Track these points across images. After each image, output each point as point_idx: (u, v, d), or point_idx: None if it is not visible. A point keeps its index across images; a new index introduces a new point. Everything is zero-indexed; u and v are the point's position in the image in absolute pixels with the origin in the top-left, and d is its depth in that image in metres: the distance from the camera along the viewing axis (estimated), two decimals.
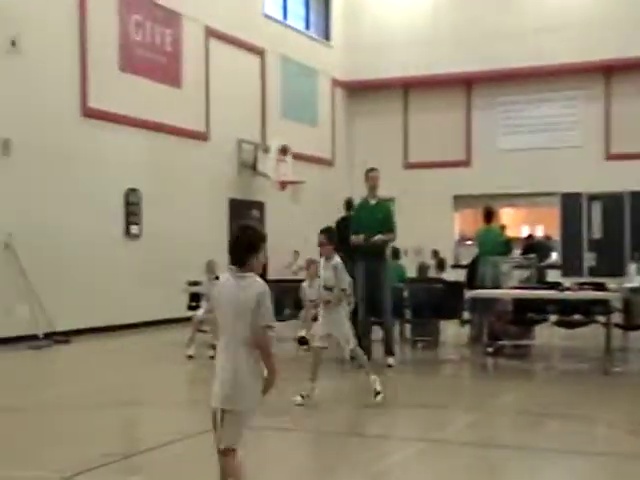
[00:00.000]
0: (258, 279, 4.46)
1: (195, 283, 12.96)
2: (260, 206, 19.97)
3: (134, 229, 15.93)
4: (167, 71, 17.00)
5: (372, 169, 10.77)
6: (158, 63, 16.74)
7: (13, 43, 13.23)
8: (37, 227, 13.32)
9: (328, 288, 8.10)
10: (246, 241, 4.52)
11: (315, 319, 11.53)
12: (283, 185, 19.68)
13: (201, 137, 17.92)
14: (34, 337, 12.64)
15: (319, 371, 8.08)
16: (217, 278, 12.49)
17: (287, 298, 12.22)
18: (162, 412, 7.86)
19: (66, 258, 13.91)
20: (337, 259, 8.13)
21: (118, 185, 15.56)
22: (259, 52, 20.14)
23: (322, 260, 8.32)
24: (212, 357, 11.16)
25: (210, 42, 18.25)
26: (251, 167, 19.45)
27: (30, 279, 13.01)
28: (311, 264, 12.60)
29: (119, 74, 15.62)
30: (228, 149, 18.84)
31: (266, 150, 19.53)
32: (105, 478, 5.56)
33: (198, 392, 9.60)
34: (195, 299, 12.67)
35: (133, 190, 15.90)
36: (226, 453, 4.34)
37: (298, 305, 11.84)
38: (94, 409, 7.78)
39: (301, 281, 12.40)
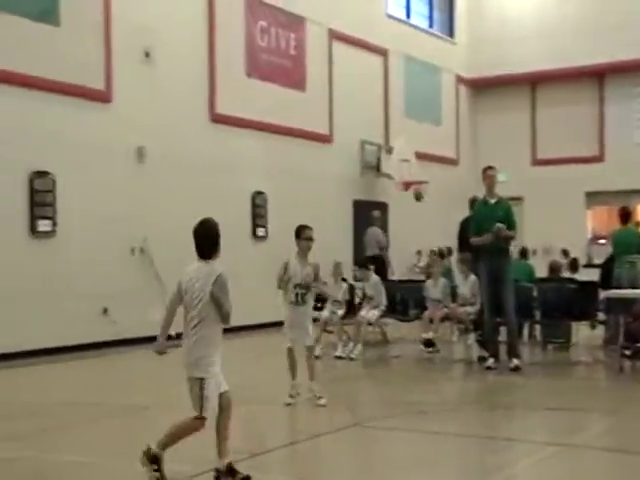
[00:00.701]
0: (220, 267, 5.37)
1: None
2: (383, 207, 19.90)
3: (260, 231, 16.26)
4: (292, 75, 17.27)
5: (489, 167, 10.52)
6: (283, 67, 17.03)
7: (147, 54, 13.80)
8: (170, 231, 13.79)
9: (303, 286, 8.14)
10: (214, 234, 5.64)
11: (443, 319, 11.41)
12: (406, 185, 19.55)
13: (325, 139, 18.08)
14: (167, 337, 13.09)
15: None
16: (344, 280, 12.61)
17: (411, 298, 12.11)
18: (287, 411, 7.95)
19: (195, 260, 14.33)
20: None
21: (245, 188, 15.93)
22: (382, 52, 20.12)
23: (294, 259, 8.26)
24: (337, 357, 11.29)
25: (333, 44, 18.39)
26: (374, 168, 19.45)
27: (163, 282, 13.50)
28: (435, 263, 12.47)
29: (245, 80, 16.00)
30: (351, 151, 18.91)
31: (389, 151, 19.47)
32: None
33: (324, 392, 9.69)
34: (320, 300, 12.76)
35: (259, 193, 16.24)
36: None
37: (422, 305, 11.72)
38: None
39: (424, 281, 12.28)
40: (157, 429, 5.47)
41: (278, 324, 15.55)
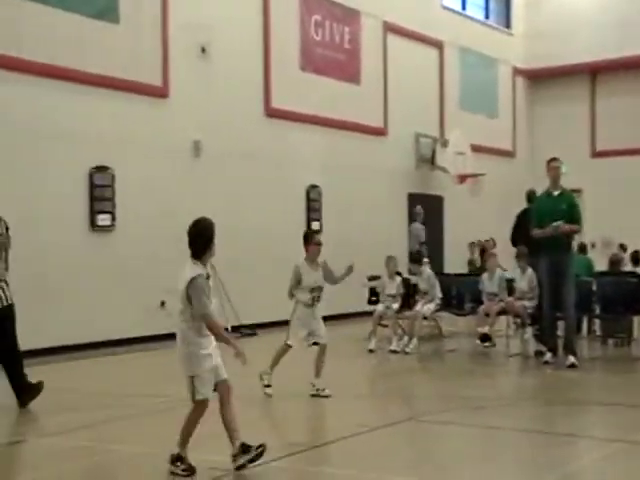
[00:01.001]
0: (197, 270, 5.47)
1: (375, 278, 13.04)
2: (439, 200, 19.77)
3: (315, 225, 16.29)
4: (346, 68, 17.25)
5: (553, 159, 10.32)
6: (337, 61, 17.02)
7: (203, 50, 13.95)
8: (224, 225, 13.85)
9: (318, 289, 8.23)
10: (204, 234, 5.71)
11: (499, 313, 11.28)
12: (462, 179, 19.37)
13: (379, 132, 18.01)
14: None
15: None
16: (398, 273, 12.56)
17: (467, 292, 12.01)
18: (345, 405, 7.97)
19: (251, 254, 14.46)
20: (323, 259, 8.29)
21: (300, 182, 15.99)
22: (437, 45, 19.94)
23: (305, 264, 8.25)
24: (392, 351, 11.26)
25: (388, 37, 18.30)
26: (429, 161, 19.31)
27: (219, 274, 13.63)
28: (491, 257, 12.32)
29: (300, 74, 16.05)
30: (406, 144, 18.81)
31: (444, 144, 19.31)
32: (294, 467, 5.71)
33: (379, 386, 9.69)
34: (375, 294, 12.75)
35: (314, 187, 16.28)
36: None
37: (478, 299, 11.60)
38: (279, 400, 8.02)
39: (479, 274, 12.16)
40: (215, 420, 5.54)
41: (331, 318, 15.69)
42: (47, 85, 11.62)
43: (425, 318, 11.83)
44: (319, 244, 8.38)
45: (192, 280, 5.40)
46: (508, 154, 22.43)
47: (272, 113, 15.34)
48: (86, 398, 8.21)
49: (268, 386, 8.13)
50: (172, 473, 5.42)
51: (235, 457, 5.48)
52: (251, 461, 5.46)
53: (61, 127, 11.74)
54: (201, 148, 13.81)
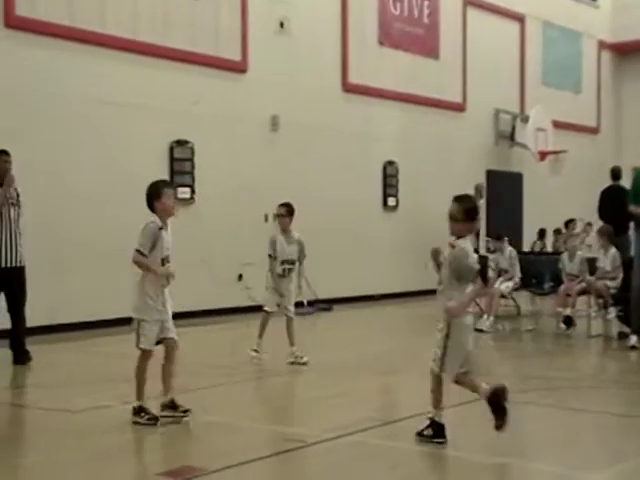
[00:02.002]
0: (151, 219, 6.11)
1: None
2: (518, 177, 19.37)
3: (391, 201, 16.20)
4: (425, 43, 16.99)
5: None
6: (416, 36, 16.78)
7: (282, 24, 13.95)
8: (301, 199, 13.90)
9: (290, 262, 8.56)
10: (150, 192, 6.17)
11: (580, 293, 10.98)
12: (543, 155, 18.92)
13: (458, 108, 17.72)
14: (299, 304, 13.31)
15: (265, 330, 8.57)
16: (476, 251, 12.34)
17: (547, 271, 11.74)
18: (419, 381, 7.89)
19: (327, 229, 14.47)
20: (297, 233, 8.62)
21: (377, 158, 15.89)
22: (519, 18, 19.44)
23: (278, 235, 8.62)
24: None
25: (468, 11, 17.93)
26: (509, 137, 18.92)
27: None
28: (571, 237, 12.02)
29: (378, 49, 15.89)
30: (485, 120, 18.47)
31: (525, 120, 18.86)
32: (367, 442, 5.71)
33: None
34: None
35: (391, 163, 16.16)
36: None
37: (558, 278, 11.33)
38: (356, 374, 8.02)
39: (560, 253, 11.87)
40: (293, 393, 5.57)
41: (406, 294, 15.65)
42: (129, 60, 11.81)
43: (503, 296, 11.63)
44: (280, 215, 8.73)
45: (144, 226, 6.17)
46: (592, 131, 21.77)
47: (350, 88, 15.25)
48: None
49: (255, 351, 8.52)
50: (136, 423, 5.91)
51: (163, 406, 6.02)
52: (173, 417, 5.99)
53: (142, 101, 11.93)
54: (279, 123, 13.85)
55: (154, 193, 6.19)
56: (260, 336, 8.60)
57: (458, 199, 5.74)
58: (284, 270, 8.58)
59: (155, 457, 5.53)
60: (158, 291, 6.07)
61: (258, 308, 13.23)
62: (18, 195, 8.43)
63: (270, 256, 8.63)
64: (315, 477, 5.07)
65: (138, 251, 6.09)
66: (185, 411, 6.03)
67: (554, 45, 20.43)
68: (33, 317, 8.90)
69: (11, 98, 10.52)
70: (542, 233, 17.52)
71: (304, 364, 8.28)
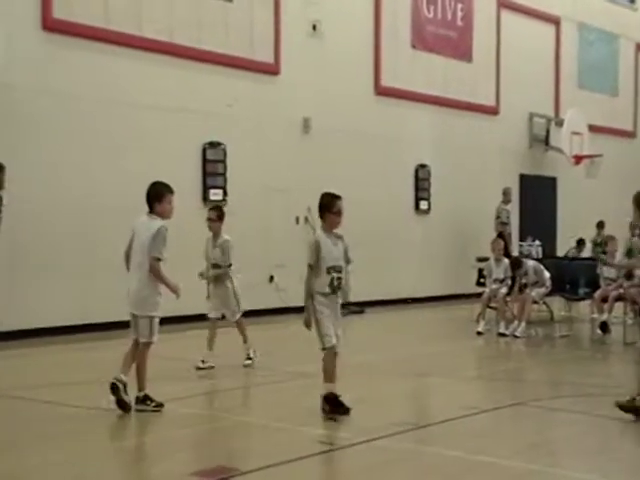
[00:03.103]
0: (159, 221, 6.28)
1: (484, 259, 12.78)
2: (552, 182, 19.18)
3: (423, 204, 16.12)
4: (458, 46, 16.89)
5: None
6: (449, 38, 16.69)
7: (314, 27, 13.96)
8: None
9: (216, 266, 8.41)
10: (152, 193, 6.35)
11: (617, 300, 10.79)
12: (578, 159, 18.69)
13: (491, 111, 17.59)
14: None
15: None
16: (507, 256, 12.25)
17: (582, 276, 11.59)
18: (452, 386, 7.87)
19: (358, 232, 14.41)
20: (226, 237, 8.45)
21: (408, 161, 15.83)
22: (554, 21, 19.24)
23: (210, 239, 8.50)
24: (501, 334, 11.02)
25: (502, 13, 17.79)
26: (543, 141, 18.75)
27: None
28: (610, 240, 11.86)
29: (411, 52, 15.83)
30: (519, 123, 18.31)
31: (560, 123, 18.66)
32: (399, 446, 5.67)
33: (487, 369, 9.50)
34: (484, 276, 12.50)
35: (422, 166, 16.08)
36: (142, 345, 6.35)
37: (593, 284, 11.18)
38: (388, 377, 7.99)
39: (596, 259, 11.71)
40: (316, 395, 5.54)
41: (439, 298, 15.55)
42: (164, 62, 11.90)
43: (535, 302, 11.51)
44: (210, 220, 8.55)
45: (159, 229, 6.34)
46: (628, 134, 21.49)
47: (382, 91, 15.22)
48: (194, 368, 8.42)
49: (203, 361, 8.26)
50: (140, 411, 6.18)
51: (138, 400, 6.29)
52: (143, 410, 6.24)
53: (176, 103, 12.01)
54: (310, 125, 13.86)
55: (156, 195, 6.35)
56: (209, 346, 8.34)
57: None
58: (214, 275, 8.47)
59: (187, 457, 5.55)
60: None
61: (289, 310, 13.31)
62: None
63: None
64: None
65: (158, 259, 6.24)
66: (159, 405, 6.30)
67: (590, 47, 20.19)
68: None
69: (50, 99, 10.65)
70: (581, 243, 16.87)
71: (248, 365, 8.27)
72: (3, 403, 6.87)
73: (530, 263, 11.59)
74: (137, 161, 11.50)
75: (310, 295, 6.25)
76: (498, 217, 15.70)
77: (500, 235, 14.44)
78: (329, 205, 6.70)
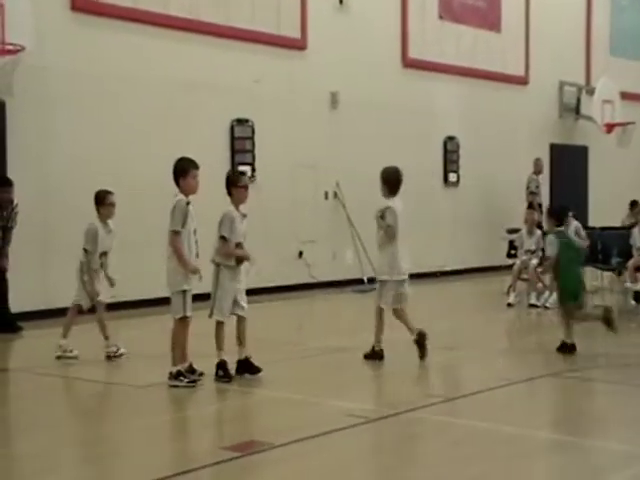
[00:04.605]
0: (179, 196, 6.35)
1: (514, 231, 12.70)
2: (583, 151, 18.93)
3: (452, 177, 16.01)
4: (486, 16, 16.66)
5: None
6: (477, 8, 16.46)
7: (341, 1, 13.85)
8: (361, 176, 13.91)
9: (106, 254, 7.85)
10: (177, 168, 6.42)
11: None
12: (609, 128, 18.40)
13: (520, 81, 17.37)
14: (359, 281, 13.34)
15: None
16: (539, 227, 12.15)
17: (614, 246, 11.46)
18: (484, 358, 7.87)
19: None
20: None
21: (437, 133, 15.72)
22: None
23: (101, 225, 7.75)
24: (532, 305, 10.97)
25: None
26: (574, 110, 18.49)
27: (355, 226, 13.70)
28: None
29: (438, 23, 15.66)
30: (549, 92, 18.07)
31: (591, 92, 18.37)
32: (432, 418, 5.71)
33: (519, 340, 9.49)
34: (514, 247, 12.42)
35: (451, 138, 15.96)
36: (174, 321, 6.45)
37: (626, 253, 11.05)
38: (414, 351, 7.99)
39: (630, 228, 11.58)
40: (354, 369, 5.58)
41: (468, 271, 15.50)
42: (191, 40, 11.90)
43: None
44: (112, 204, 7.83)
45: (175, 204, 6.43)
46: None
47: (410, 63, 15.09)
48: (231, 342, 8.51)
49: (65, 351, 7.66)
50: (174, 387, 6.25)
51: (171, 375, 6.35)
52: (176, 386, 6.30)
53: (203, 80, 12.02)
54: (338, 100, 13.81)
55: (181, 170, 6.37)
56: (106, 338, 7.70)
57: None
58: (102, 264, 7.78)
59: (220, 431, 5.64)
60: None
61: (319, 285, 13.37)
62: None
63: (86, 250, 7.67)
64: (378, 453, 5.10)
65: (174, 232, 6.24)
66: (200, 374, 6.43)
67: (623, 13, 19.80)
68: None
69: (79, 79, 10.73)
70: (634, 204, 15.44)
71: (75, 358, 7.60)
72: (41, 380, 7.01)
73: (574, 224, 11.39)
74: (165, 140, 11.55)
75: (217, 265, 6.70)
76: (528, 187, 15.57)
77: (530, 205, 14.31)
78: (235, 180, 6.91)
